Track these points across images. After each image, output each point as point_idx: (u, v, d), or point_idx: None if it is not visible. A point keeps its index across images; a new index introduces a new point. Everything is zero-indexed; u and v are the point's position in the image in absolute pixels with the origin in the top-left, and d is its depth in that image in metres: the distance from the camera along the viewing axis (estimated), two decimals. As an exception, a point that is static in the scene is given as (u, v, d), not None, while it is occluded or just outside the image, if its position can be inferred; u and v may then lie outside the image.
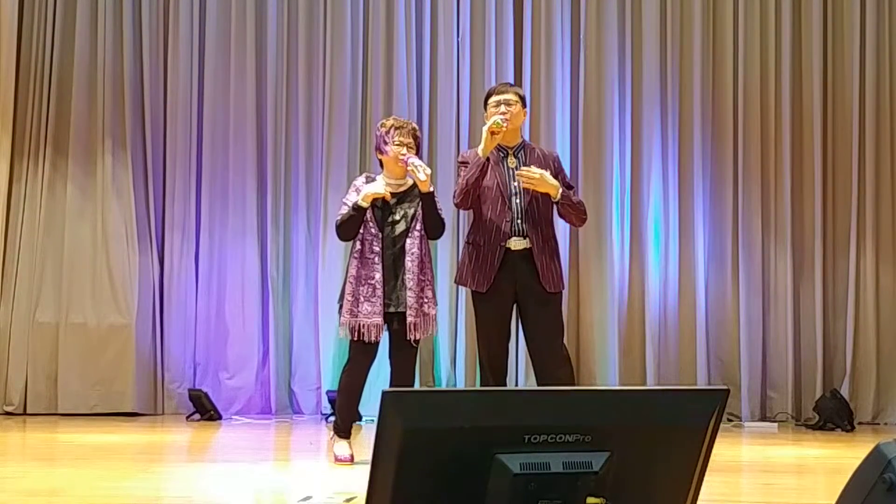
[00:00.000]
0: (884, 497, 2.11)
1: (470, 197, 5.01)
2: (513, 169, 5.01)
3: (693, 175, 8.14)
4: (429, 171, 5.07)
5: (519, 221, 4.92)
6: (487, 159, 4.94)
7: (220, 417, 7.90)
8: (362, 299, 5.04)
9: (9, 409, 7.98)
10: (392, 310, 5.07)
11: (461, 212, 8.15)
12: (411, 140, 5.20)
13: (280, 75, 8.40)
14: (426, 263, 5.15)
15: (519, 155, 5.06)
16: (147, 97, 8.33)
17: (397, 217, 5.14)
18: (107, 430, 6.95)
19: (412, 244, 5.09)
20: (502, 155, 5.06)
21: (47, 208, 8.26)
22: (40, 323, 8.09)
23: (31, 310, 8.11)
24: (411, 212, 5.15)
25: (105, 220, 8.20)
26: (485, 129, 4.91)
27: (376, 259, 5.06)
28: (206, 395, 7.95)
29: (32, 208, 8.27)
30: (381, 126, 5.25)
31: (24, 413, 7.97)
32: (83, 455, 5.57)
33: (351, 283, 5.08)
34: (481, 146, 4.94)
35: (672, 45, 8.22)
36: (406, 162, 5.10)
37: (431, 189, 5.12)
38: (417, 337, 5.10)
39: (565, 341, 5.13)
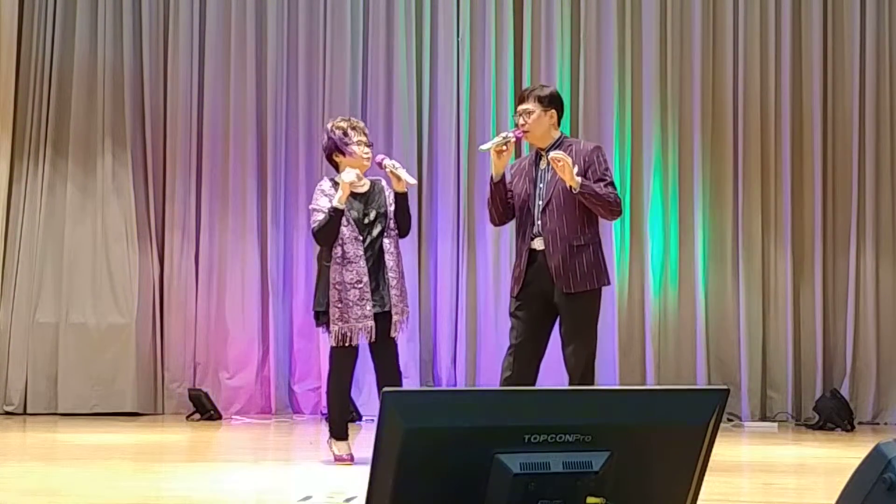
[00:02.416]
0: (884, 497, 2.11)
1: (495, 215, 5.05)
2: (543, 170, 4.94)
3: (693, 175, 8.14)
4: (404, 170, 5.13)
5: (539, 223, 4.88)
6: (502, 178, 4.92)
7: (220, 417, 7.90)
8: (351, 304, 5.04)
9: (9, 409, 7.97)
10: (378, 310, 5.08)
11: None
12: (366, 139, 5.21)
13: (280, 75, 8.40)
14: (401, 261, 5.21)
15: (551, 155, 5.00)
16: (147, 97, 8.33)
17: (372, 217, 5.15)
18: (107, 430, 6.95)
19: (390, 243, 5.13)
20: (538, 157, 5.01)
21: (47, 208, 8.26)
22: (40, 323, 8.09)
23: (31, 310, 8.11)
24: (382, 211, 5.16)
25: (105, 219, 8.20)
26: (489, 150, 4.89)
27: (361, 262, 5.05)
28: (206, 394, 7.95)
29: (32, 208, 8.27)
30: (336, 128, 5.20)
31: (24, 413, 7.97)
32: (83, 455, 5.58)
33: (336, 289, 5.05)
34: (492, 167, 4.95)
35: (672, 45, 8.21)
36: (382, 164, 5.11)
37: (406, 190, 5.15)
38: (398, 334, 5.16)
39: None
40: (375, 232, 5.13)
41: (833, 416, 7.48)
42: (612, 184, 4.92)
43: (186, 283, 8.28)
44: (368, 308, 5.03)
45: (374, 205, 5.17)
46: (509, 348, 4.93)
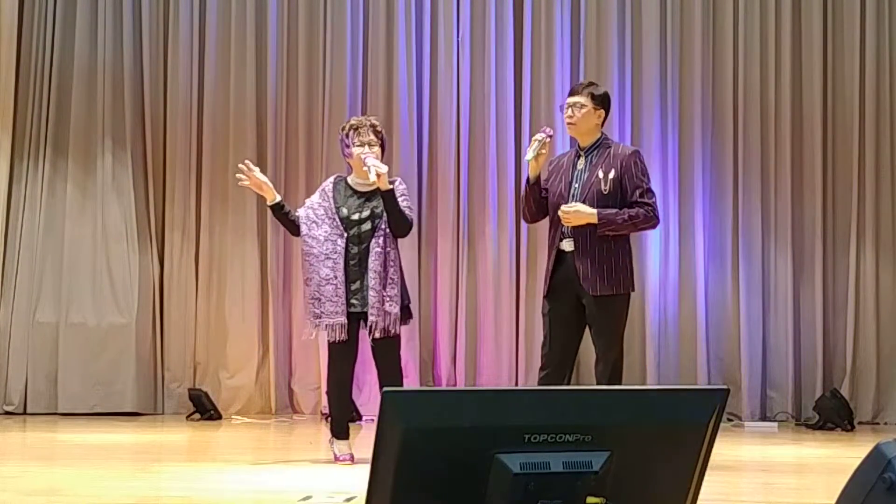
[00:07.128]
0: (884, 497, 2.11)
1: (528, 214, 5.11)
2: (580, 171, 4.98)
3: (693, 175, 8.14)
4: (383, 168, 5.07)
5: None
6: (537, 181, 4.99)
7: (220, 417, 7.90)
8: (324, 300, 5.04)
9: (9, 409, 7.97)
10: (360, 309, 5.07)
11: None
12: (372, 137, 5.19)
13: (280, 75, 8.39)
14: (390, 261, 5.12)
15: (590, 156, 5.00)
16: (147, 97, 8.33)
17: (364, 215, 5.14)
18: (107, 430, 6.95)
19: (376, 243, 5.09)
20: (577, 156, 5.04)
21: (47, 208, 8.26)
22: (40, 323, 8.09)
23: (31, 310, 8.11)
24: (378, 212, 5.15)
25: (105, 219, 8.20)
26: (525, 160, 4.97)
27: (338, 259, 5.05)
28: (206, 394, 7.95)
29: (32, 208, 8.27)
30: (342, 129, 5.28)
31: (24, 413, 7.97)
32: (83, 455, 5.58)
33: (309, 285, 5.10)
34: (529, 169, 5.02)
35: (672, 45, 8.21)
36: (364, 162, 5.13)
37: (391, 186, 5.11)
38: (377, 336, 5.05)
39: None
40: (364, 230, 5.12)
41: (833, 415, 7.48)
42: (648, 191, 4.94)
43: (186, 283, 8.28)
44: (341, 305, 5.02)
45: (369, 204, 5.17)
46: (542, 347, 5.01)
